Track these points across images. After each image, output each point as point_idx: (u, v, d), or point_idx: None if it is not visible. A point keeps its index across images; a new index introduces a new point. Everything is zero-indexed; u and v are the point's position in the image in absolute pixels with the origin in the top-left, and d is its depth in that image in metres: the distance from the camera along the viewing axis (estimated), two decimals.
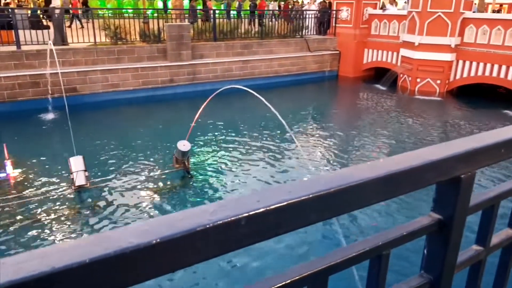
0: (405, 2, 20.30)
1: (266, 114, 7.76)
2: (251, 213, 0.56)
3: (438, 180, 0.79)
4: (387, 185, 0.70)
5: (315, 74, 17.22)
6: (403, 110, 13.37)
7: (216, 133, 10.06)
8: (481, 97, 14.00)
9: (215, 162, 8.34)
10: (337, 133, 10.98)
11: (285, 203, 0.58)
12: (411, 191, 0.75)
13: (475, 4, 20.95)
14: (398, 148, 9.92)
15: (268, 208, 0.57)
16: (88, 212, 6.32)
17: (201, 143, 9.33)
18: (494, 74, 13.51)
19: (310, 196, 0.61)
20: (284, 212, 0.59)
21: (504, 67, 13.22)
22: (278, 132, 9.85)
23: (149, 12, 18.50)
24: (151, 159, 8.34)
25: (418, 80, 14.76)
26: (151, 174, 7.62)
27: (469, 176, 0.82)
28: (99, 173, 7.53)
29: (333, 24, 17.96)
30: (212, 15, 15.97)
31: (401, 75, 15.52)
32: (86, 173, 6.73)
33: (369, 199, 0.69)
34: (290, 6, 23.65)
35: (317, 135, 10.72)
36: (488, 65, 13.61)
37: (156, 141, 9.51)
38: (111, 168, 7.87)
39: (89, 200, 6.64)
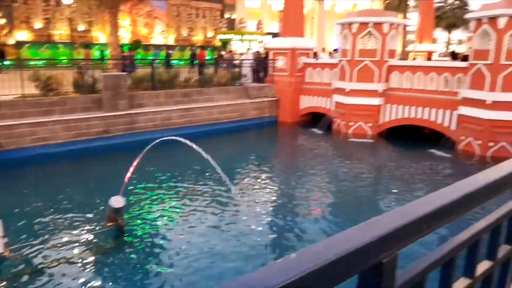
0: (335, 50, 21.76)
1: (206, 164, 7.67)
2: None
3: (357, 271, 0.71)
4: None
5: (255, 120, 17.56)
6: (338, 154, 13.91)
7: (153, 186, 9.69)
8: (409, 138, 14.97)
9: (152, 218, 7.96)
10: (276, 180, 11.07)
11: None
12: None
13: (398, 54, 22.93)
14: (336, 192, 10.16)
15: None
16: (4, 286, 5.64)
17: (137, 197, 8.90)
18: (419, 116, 14.61)
19: None
20: None
21: (427, 109, 14.36)
22: (218, 182, 9.64)
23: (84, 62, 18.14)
24: (82, 219, 7.78)
25: (351, 123, 15.55)
26: (81, 236, 7.07)
27: (391, 258, 0.75)
28: (21, 238, 6.84)
29: (270, 73, 18.69)
30: (151, 64, 15.98)
31: (336, 120, 16.29)
32: (5, 240, 6.08)
33: None
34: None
35: (256, 183, 10.71)
36: (413, 108, 14.72)
37: (88, 198, 8.93)
38: (36, 232, 7.20)
39: (7, 271, 5.96)
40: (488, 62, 12.13)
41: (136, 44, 28.46)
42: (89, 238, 6.96)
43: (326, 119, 16.70)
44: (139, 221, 7.75)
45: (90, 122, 12.83)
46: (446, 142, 13.50)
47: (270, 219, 8.28)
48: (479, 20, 12.37)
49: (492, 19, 11.84)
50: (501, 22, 11.62)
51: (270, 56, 18.91)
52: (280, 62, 18.34)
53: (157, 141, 6.78)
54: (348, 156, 13.41)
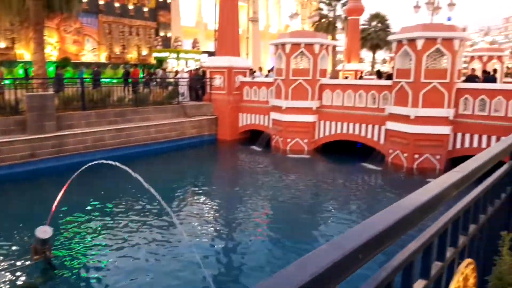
0: (270, 70, 22.29)
1: (142, 187, 7.35)
2: None
3: None
4: None
5: (194, 138, 17.35)
6: (277, 170, 14.14)
7: (85, 214, 9.05)
8: (342, 153, 15.64)
9: (84, 249, 7.42)
10: (216, 199, 10.94)
11: None
12: None
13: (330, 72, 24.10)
14: (277, 209, 10.27)
15: None
16: None
17: (67, 226, 8.27)
18: (350, 131, 15.37)
19: None
20: None
21: (357, 125, 15.16)
22: (155, 207, 9.26)
23: (7, 81, 16.81)
24: (5, 252, 7.07)
25: (288, 140, 15.95)
26: (4, 271, 6.38)
27: None
28: None
29: (208, 91, 18.67)
30: (79, 83, 15.20)
31: (274, 136, 16.62)
32: None
33: None
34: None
35: (195, 204, 10.50)
36: (345, 124, 15.46)
37: (12, 229, 8.14)
38: None
39: None
40: (410, 80, 13.14)
41: (64, 62, 27.01)
42: (14, 273, 6.31)
43: (265, 136, 16.96)
44: (69, 253, 7.19)
45: (13, 146, 11.83)
46: (377, 155, 14.30)
47: (211, 241, 8.12)
48: (400, 42, 13.43)
49: (411, 41, 12.91)
50: (419, 44, 12.71)
51: (207, 75, 18.92)
52: (218, 81, 18.41)
53: (87, 165, 6.39)
54: (287, 172, 13.67)
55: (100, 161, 6.58)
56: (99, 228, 8.33)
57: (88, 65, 28.70)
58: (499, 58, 24.62)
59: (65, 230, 8.06)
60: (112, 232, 8.18)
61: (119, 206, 9.74)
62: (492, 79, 16.51)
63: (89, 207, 9.44)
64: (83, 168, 6.40)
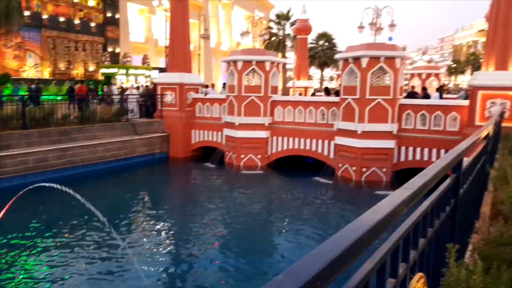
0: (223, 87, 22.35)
1: (88, 210, 6.93)
2: None
3: None
4: None
5: (145, 157, 16.88)
6: (231, 187, 14.07)
7: (25, 240, 8.36)
8: (294, 168, 15.89)
9: (25, 276, 6.87)
10: (167, 220, 10.58)
11: None
12: None
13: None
14: (231, 226, 10.15)
15: None
16: None
17: (5, 254, 7.63)
18: (302, 146, 15.68)
19: None
20: None
21: (308, 140, 15.51)
22: (102, 231, 8.71)
23: None
24: None
25: (242, 156, 15.96)
26: None
27: None
28: None
29: (159, 107, 18.31)
30: (20, 100, 14.30)
31: (227, 153, 16.55)
32: None
33: None
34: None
35: (146, 226, 10.10)
36: (296, 139, 15.76)
37: None
38: None
39: None
40: (356, 97, 13.69)
41: (3, 78, 25.38)
42: None
43: (218, 152, 16.86)
44: (8, 282, 6.61)
45: None
46: (327, 169, 14.65)
47: (160, 262, 7.83)
48: (346, 60, 14.00)
49: (357, 59, 13.51)
50: (364, 62, 13.32)
51: (158, 91, 18.58)
52: (169, 97, 18.12)
53: (27, 188, 5.96)
54: (241, 188, 13.63)
55: (42, 184, 6.17)
56: (41, 255, 7.75)
57: (29, 81, 27.21)
58: (436, 75, 26.41)
59: (3, 258, 7.42)
60: (55, 257, 7.65)
61: (62, 230, 9.14)
62: (440, 96, 17.95)
63: (30, 233, 8.77)
64: (23, 191, 5.96)
